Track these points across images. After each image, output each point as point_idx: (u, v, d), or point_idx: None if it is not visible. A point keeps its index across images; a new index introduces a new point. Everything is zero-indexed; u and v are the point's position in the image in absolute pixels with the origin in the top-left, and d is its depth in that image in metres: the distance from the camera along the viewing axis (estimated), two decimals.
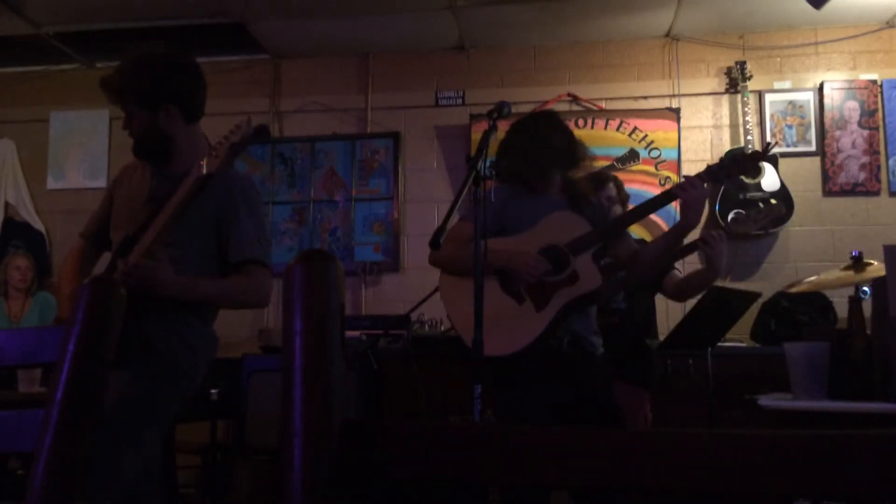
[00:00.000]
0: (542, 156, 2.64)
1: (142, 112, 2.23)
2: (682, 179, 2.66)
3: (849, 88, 4.90)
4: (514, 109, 2.53)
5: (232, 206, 2.23)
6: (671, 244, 2.72)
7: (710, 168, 2.70)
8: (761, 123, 4.94)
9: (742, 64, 4.89)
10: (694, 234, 5.04)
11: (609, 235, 2.63)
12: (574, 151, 2.70)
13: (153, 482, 2.17)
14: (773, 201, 4.60)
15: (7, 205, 5.58)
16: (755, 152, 3.01)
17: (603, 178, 3.30)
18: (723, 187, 4.77)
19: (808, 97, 4.95)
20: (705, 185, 2.59)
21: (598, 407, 2.51)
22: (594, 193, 2.90)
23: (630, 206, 3.42)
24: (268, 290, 2.27)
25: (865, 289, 2.91)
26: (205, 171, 2.09)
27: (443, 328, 4.37)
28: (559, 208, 2.62)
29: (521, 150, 2.66)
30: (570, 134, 2.75)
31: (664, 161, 4.96)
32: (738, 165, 2.80)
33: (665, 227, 4.88)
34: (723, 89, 5.05)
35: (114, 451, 1.96)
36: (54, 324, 2.29)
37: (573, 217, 2.59)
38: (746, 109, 4.82)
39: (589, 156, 2.83)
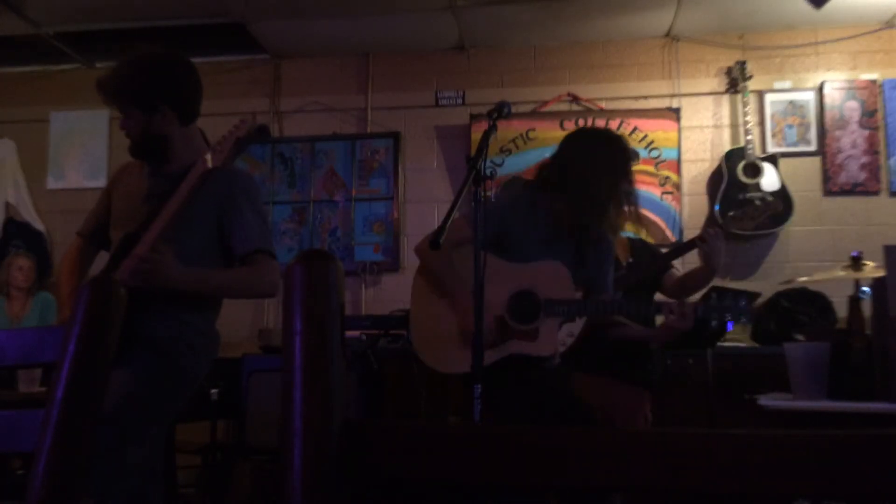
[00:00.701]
0: (590, 204, 2.49)
1: (137, 113, 2.23)
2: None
3: (849, 88, 4.90)
4: (514, 109, 2.52)
5: (233, 201, 2.24)
6: (652, 338, 2.67)
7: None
8: (761, 123, 4.94)
9: (742, 64, 4.89)
10: (693, 232, 5.04)
11: (590, 315, 2.58)
12: (619, 214, 2.55)
13: (156, 480, 2.18)
14: (769, 198, 4.59)
15: (7, 205, 5.58)
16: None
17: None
18: (723, 186, 4.78)
19: (809, 97, 4.95)
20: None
21: (563, 412, 2.48)
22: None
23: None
24: (277, 278, 2.27)
25: (865, 288, 2.91)
26: (209, 164, 2.10)
27: None
28: (564, 249, 2.55)
29: (577, 179, 2.50)
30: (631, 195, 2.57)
31: (664, 161, 4.96)
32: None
33: (666, 228, 4.88)
34: (723, 89, 5.05)
35: (118, 449, 1.97)
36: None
37: (565, 276, 2.49)
38: (746, 109, 4.82)
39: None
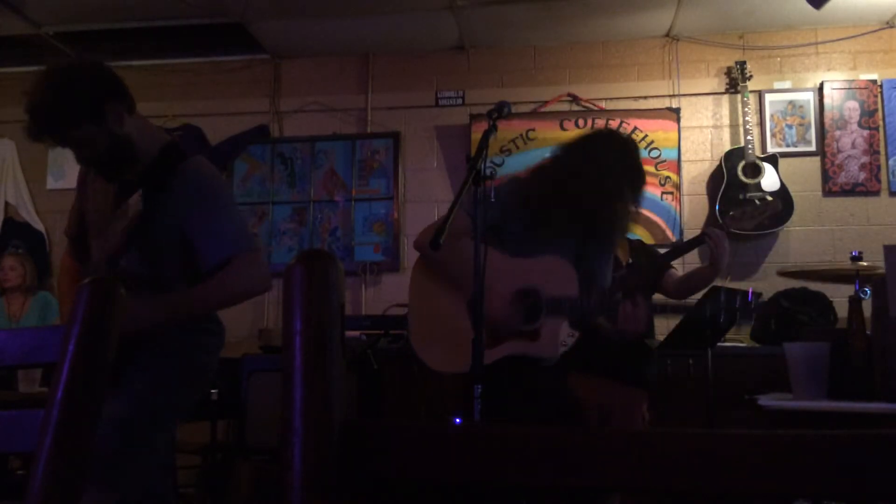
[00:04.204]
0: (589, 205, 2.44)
1: (91, 128, 2.01)
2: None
3: (849, 88, 4.90)
4: (514, 109, 2.51)
5: (189, 209, 2.04)
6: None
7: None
8: (761, 123, 4.94)
9: (742, 64, 4.89)
10: (693, 232, 5.03)
11: (595, 312, 2.51)
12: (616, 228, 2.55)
13: (168, 480, 2.19)
14: (769, 198, 4.59)
15: (7, 205, 5.58)
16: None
17: None
18: (723, 186, 4.78)
19: (808, 97, 4.95)
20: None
21: (555, 409, 2.47)
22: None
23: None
24: (262, 272, 2.08)
25: (866, 289, 2.91)
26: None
27: None
28: (565, 243, 2.48)
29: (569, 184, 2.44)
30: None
31: (664, 161, 4.96)
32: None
33: (666, 228, 4.88)
34: (723, 89, 5.05)
35: (129, 453, 1.96)
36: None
37: (571, 274, 2.43)
38: (746, 109, 4.82)
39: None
